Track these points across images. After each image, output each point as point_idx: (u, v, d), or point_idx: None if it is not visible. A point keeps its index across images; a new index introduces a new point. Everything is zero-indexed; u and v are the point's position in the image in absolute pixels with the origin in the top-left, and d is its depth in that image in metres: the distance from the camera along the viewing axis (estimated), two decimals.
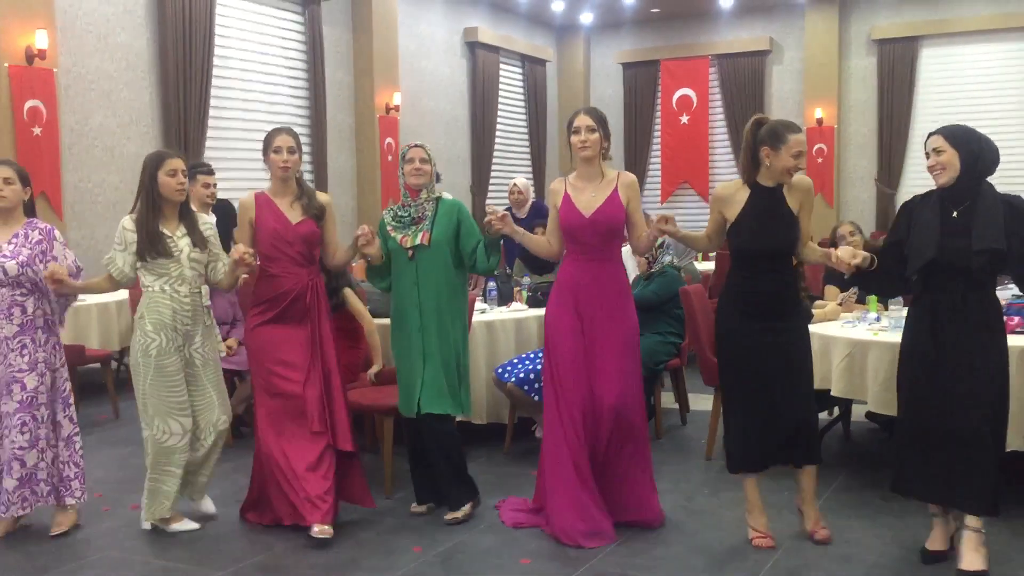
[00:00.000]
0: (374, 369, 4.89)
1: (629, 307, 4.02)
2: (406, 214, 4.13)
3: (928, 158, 3.46)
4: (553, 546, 3.85)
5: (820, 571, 3.54)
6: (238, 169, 8.69)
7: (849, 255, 3.57)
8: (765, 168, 3.68)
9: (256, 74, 9.24)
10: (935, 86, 12.20)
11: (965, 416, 3.36)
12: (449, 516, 4.16)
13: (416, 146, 4.17)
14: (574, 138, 3.94)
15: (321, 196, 4.20)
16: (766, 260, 3.71)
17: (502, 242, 4.15)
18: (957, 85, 12.04)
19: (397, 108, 10.60)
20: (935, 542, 3.57)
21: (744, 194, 3.74)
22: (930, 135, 3.49)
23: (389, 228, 4.16)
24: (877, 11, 12.40)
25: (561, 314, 3.99)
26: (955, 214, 3.41)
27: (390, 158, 10.45)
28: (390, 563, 3.73)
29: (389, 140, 10.52)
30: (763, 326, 3.70)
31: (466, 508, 4.19)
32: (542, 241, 4.18)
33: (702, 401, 5.81)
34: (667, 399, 5.97)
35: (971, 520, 3.39)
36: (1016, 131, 11.40)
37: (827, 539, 3.78)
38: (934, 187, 3.49)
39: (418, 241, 4.07)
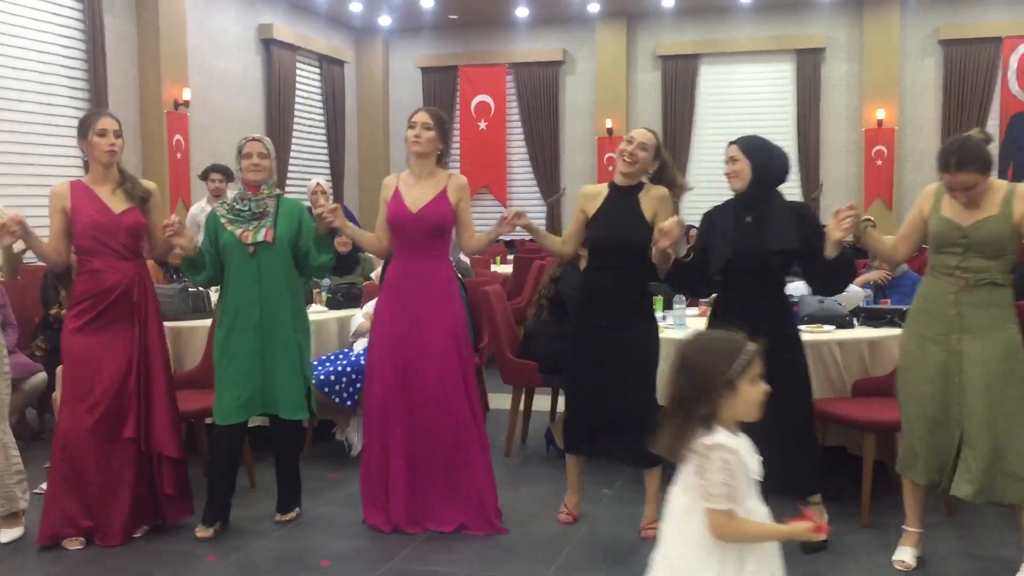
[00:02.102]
0: None
1: (456, 304, 4.05)
2: (245, 208, 3.96)
3: (726, 165, 3.74)
4: (353, 547, 3.84)
5: (611, 553, 3.73)
6: (5, 163, 8.07)
7: (671, 225, 3.65)
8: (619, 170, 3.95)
9: (30, 62, 8.60)
10: (713, 100, 13.03)
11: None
12: (280, 518, 4.13)
13: (253, 139, 4.01)
14: (409, 132, 3.97)
15: (146, 183, 3.97)
16: (613, 254, 3.87)
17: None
18: (732, 100, 12.92)
19: (187, 104, 10.19)
20: None
21: (605, 193, 3.97)
22: (729, 144, 3.77)
23: (224, 221, 3.98)
24: (662, 28, 13.10)
25: (385, 309, 4.01)
26: (749, 219, 3.69)
27: (179, 155, 10.05)
28: (186, 573, 3.60)
29: (178, 137, 10.10)
30: (605, 322, 3.86)
31: (297, 510, 4.18)
32: (371, 237, 4.15)
33: (501, 400, 5.95)
34: None
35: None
36: (783, 143, 12.38)
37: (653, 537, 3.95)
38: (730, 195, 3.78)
39: (260, 237, 3.93)
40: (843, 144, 12.76)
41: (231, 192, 4.30)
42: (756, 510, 2.11)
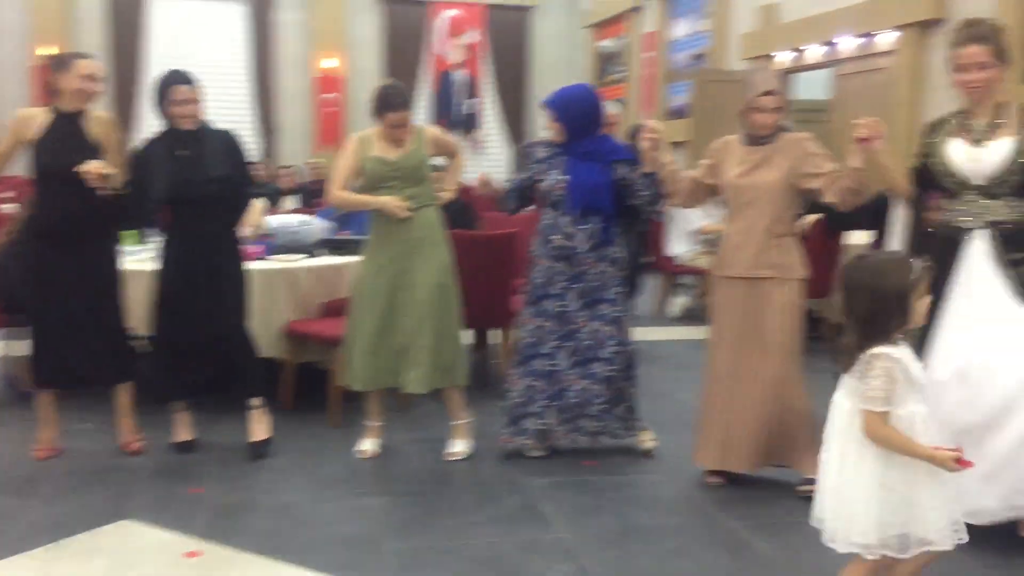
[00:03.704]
0: None
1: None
2: None
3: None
4: None
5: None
6: None
7: None
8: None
9: None
10: (165, 38, 12.63)
11: (223, 324, 4.00)
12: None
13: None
14: None
15: None
16: (64, 182, 3.75)
17: None
18: (185, 39, 12.67)
19: None
20: (182, 434, 4.21)
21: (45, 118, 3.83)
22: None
23: None
24: None
25: None
26: (186, 151, 3.90)
27: None
28: None
29: None
30: (61, 250, 3.84)
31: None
32: None
33: None
34: None
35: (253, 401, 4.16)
36: (238, 88, 12.58)
37: (140, 450, 4.13)
38: (166, 129, 3.96)
39: None
40: (297, 91, 13.33)
41: None
42: (917, 411, 2.32)
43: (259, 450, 4.12)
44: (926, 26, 7.98)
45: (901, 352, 2.29)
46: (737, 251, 3.67)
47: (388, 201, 3.98)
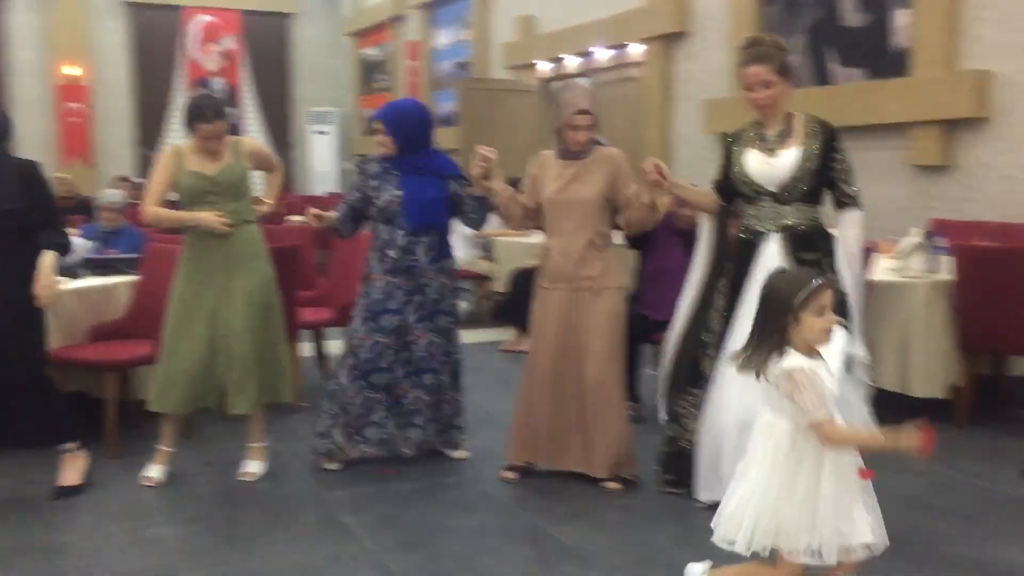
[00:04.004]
0: None
1: None
2: None
3: None
4: None
5: None
6: None
7: None
8: None
9: None
10: None
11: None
12: None
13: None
14: None
15: None
16: None
17: None
18: None
19: None
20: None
21: None
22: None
23: None
24: None
25: None
26: None
27: None
28: None
29: None
30: None
31: None
32: None
33: None
34: None
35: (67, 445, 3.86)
36: None
37: None
38: None
39: None
40: (35, 100, 12.38)
41: None
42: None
43: (63, 494, 3.80)
44: (670, 39, 8.60)
45: (813, 363, 2.37)
46: (560, 263, 3.82)
47: (206, 217, 3.81)
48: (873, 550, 2.44)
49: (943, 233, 5.09)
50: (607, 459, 3.81)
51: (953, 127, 6.23)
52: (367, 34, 14.06)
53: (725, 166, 3.63)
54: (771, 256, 3.44)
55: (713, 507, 2.66)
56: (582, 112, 3.79)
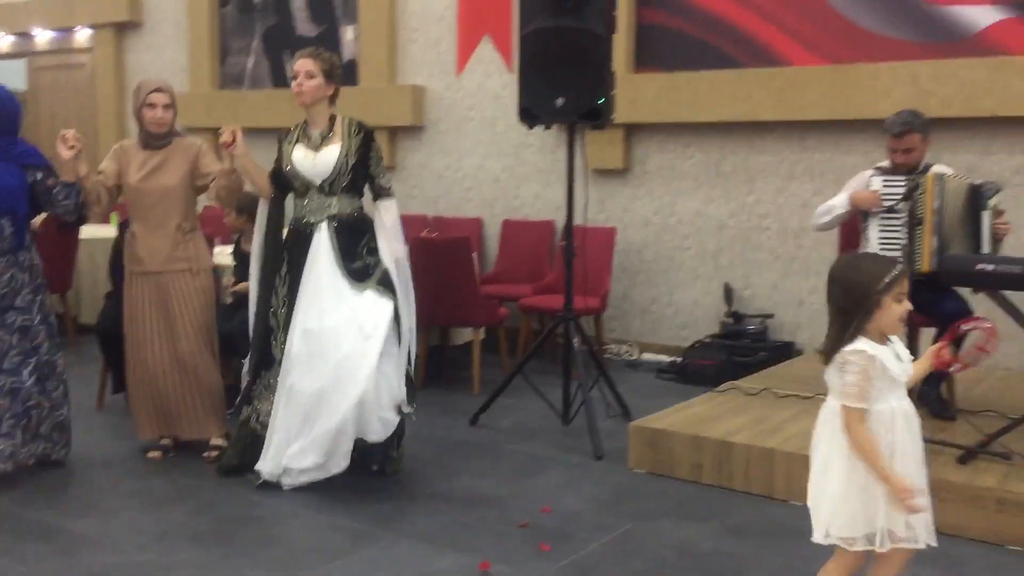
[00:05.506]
0: None
1: None
2: None
3: None
4: None
5: None
6: None
7: None
8: None
9: None
10: None
11: None
12: None
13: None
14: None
15: None
16: None
17: None
18: None
19: None
20: None
21: None
22: None
23: None
24: None
25: None
26: None
27: None
28: None
29: None
30: None
31: None
32: None
33: None
34: None
35: None
36: None
37: None
38: None
39: None
40: None
41: None
42: (898, 406, 2.33)
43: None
44: (122, 27, 8.41)
45: (879, 349, 2.30)
46: (150, 248, 4.01)
47: None
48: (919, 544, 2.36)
49: None
50: (217, 424, 4.18)
51: (396, 133, 7.14)
52: None
53: (278, 160, 3.94)
54: (323, 243, 3.79)
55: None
56: (158, 90, 3.97)
